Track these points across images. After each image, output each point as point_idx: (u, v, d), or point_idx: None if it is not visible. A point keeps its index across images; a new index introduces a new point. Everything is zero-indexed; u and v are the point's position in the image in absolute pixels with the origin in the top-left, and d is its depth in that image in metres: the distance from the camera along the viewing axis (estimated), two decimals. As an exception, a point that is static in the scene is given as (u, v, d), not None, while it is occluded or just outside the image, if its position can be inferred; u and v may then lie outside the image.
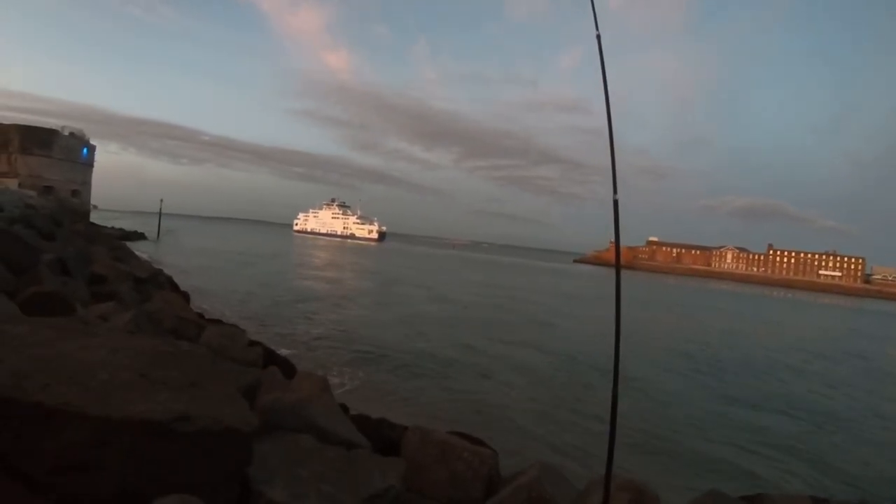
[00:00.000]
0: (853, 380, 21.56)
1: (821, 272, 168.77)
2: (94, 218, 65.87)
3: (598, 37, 3.30)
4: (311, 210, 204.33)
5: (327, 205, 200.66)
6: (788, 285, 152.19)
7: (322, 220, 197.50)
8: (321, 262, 66.55)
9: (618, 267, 2.87)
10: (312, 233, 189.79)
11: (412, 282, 46.91)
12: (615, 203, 2.95)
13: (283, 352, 12.65)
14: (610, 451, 2.75)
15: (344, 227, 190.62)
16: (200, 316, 14.62)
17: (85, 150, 65.99)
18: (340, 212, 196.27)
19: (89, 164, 67.61)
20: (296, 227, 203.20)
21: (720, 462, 10.72)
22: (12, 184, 49.53)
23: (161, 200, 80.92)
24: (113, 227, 61.90)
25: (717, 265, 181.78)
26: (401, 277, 50.57)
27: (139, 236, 64.25)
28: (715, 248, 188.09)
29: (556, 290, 56.05)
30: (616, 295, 2.89)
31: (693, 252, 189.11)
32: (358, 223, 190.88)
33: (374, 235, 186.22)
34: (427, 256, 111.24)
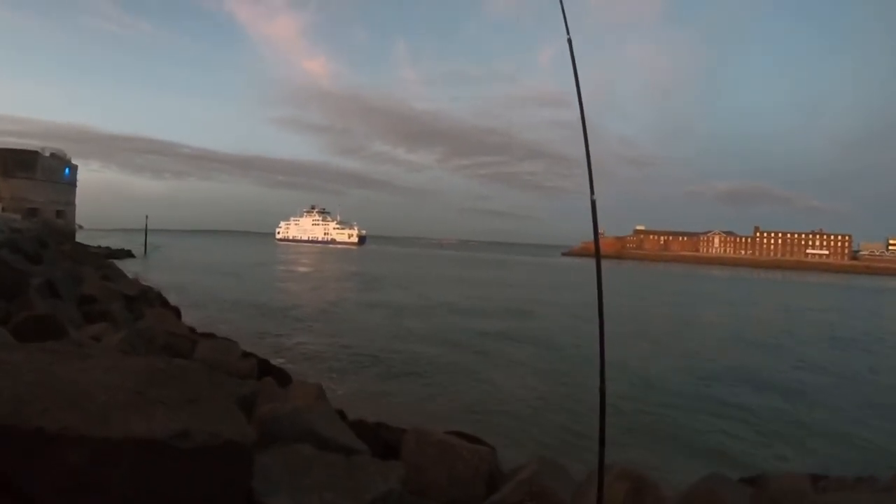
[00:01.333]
0: (844, 356, 21.77)
1: (808, 251, 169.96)
2: (80, 238, 65.60)
3: (570, 40, 3.33)
4: (292, 218, 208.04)
5: (307, 212, 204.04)
6: (777, 266, 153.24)
7: (303, 228, 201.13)
8: (304, 268, 68.15)
9: (598, 264, 2.93)
10: (295, 240, 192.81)
11: (393, 283, 47.77)
12: (593, 203, 3.01)
13: (277, 361, 12.66)
14: (601, 441, 2.81)
15: (325, 233, 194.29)
16: (192, 331, 14.62)
17: (67, 170, 65.74)
18: (321, 218, 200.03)
19: (72, 183, 67.34)
20: (278, 236, 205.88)
21: (717, 445, 10.84)
22: (-4, 208, 49.16)
23: (146, 216, 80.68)
24: (99, 246, 61.58)
25: (704, 250, 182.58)
26: (382, 279, 51.50)
27: (126, 254, 63.88)
28: (702, 233, 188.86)
29: (540, 283, 56.59)
30: (598, 297, 2.94)
31: (681, 239, 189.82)
32: (338, 228, 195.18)
33: (354, 239, 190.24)
34: (408, 257, 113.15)
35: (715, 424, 12.08)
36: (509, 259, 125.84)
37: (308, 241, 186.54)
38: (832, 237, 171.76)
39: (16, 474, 2.53)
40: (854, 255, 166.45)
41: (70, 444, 2.57)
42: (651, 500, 4.84)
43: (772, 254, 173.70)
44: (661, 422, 12.08)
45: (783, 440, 11.40)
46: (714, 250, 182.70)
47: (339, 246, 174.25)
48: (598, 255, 2.97)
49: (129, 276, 29.76)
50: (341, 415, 7.10)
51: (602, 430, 2.79)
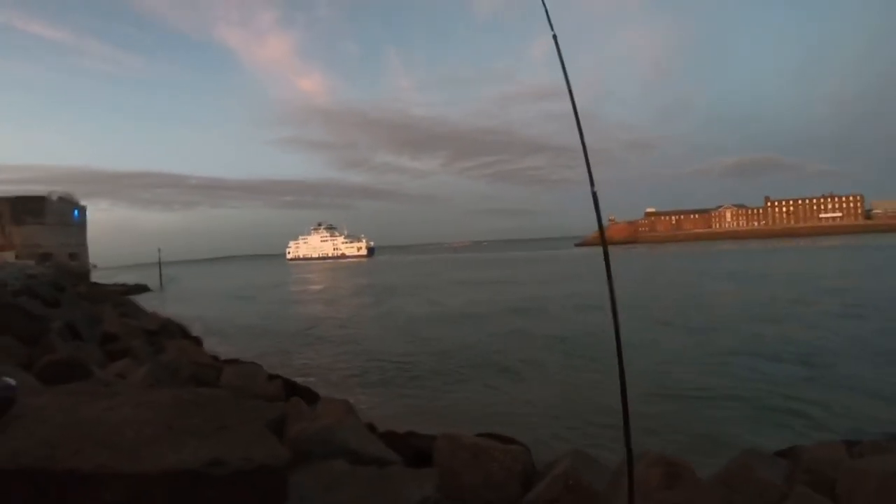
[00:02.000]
0: (861, 319, 21.51)
1: (821, 215, 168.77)
2: (95, 277, 66.20)
3: (555, 37, 3.32)
4: (300, 237, 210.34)
5: (315, 229, 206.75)
6: (791, 234, 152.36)
7: (312, 245, 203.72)
8: (317, 285, 68.45)
9: (606, 254, 2.93)
10: (305, 258, 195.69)
11: (405, 292, 47.87)
12: (594, 195, 3.01)
13: (301, 380, 12.68)
14: (626, 427, 2.80)
15: (334, 249, 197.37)
16: (216, 358, 14.68)
17: (76, 212, 66.36)
18: (328, 234, 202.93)
19: (82, 224, 67.96)
20: (289, 256, 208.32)
21: (745, 422, 10.73)
22: (9, 256, 49.68)
23: (159, 249, 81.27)
24: (115, 284, 62.05)
25: (717, 226, 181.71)
26: (394, 289, 51.75)
27: (142, 289, 64.32)
28: (713, 209, 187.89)
29: (551, 276, 56.47)
30: (608, 277, 2.94)
31: (692, 217, 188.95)
32: (346, 242, 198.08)
33: (364, 252, 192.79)
34: (418, 264, 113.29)
35: (740, 401, 11.94)
36: (522, 256, 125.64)
37: (318, 259, 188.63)
38: (844, 199, 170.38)
39: (53, 517, 2.55)
40: (867, 215, 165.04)
41: (104, 483, 2.59)
42: (687, 482, 4.81)
43: (784, 222, 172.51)
44: (687, 405, 11.98)
45: (813, 410, 11.26)
46: (727, 225, 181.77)
47: (349, 260, 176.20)
48: (605, 247, 2.97)
49: (148, 310, 29.97)
50: (371, 428, 7.11)
51: (625, 416, 2.77)
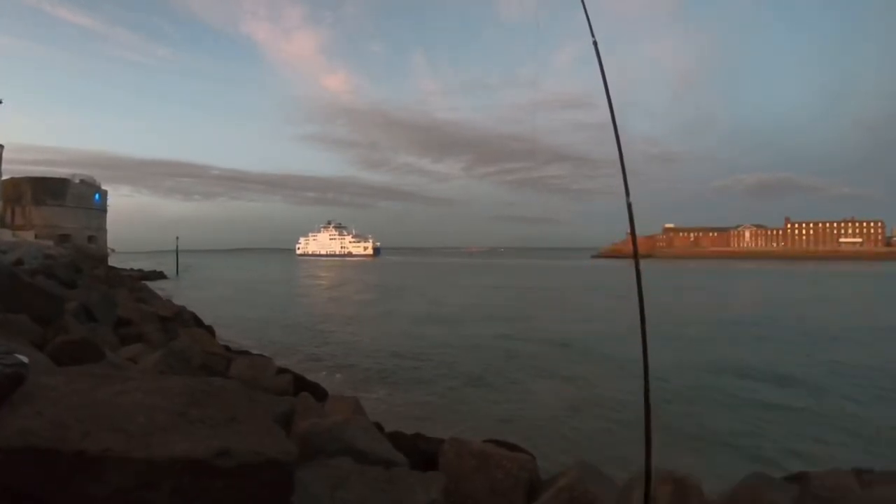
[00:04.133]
0: (880, 347, 21.26)
1: (841, 240, 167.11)
2: (113, 261, 66.69)
3: (595, 43, 3.29)
4: (310, 234, 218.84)
5: (324, 227, 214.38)
6: (810, 257, 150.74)
7: (321, 242, 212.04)
8: (326, 281, 70.48)
9: (637, 268, 2.89)
10: (314, 255, 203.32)
11: (415, 292, 49.24)
12: (629, 206, 2.96)
13: (310, 376, 12.70)
14: (647, 444, 2.76)
15: (341, 247, 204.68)
16: (227, 349, 14.75)
17: (97, 196, 66.88)
18: (337, 233, 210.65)
19: (102, 209, 68.46)
20: (298, 251, 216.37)
21: (757, 444, 10.64)
22: (29, 236, 50.13)
23: (177, 238, 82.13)
24: (132, 269, 62.64)
25: (736, 245, 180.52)
26: (402, 289, 53.44)
27: (159, 275, 64.95)
28: (732, 228, 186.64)
29: (568, 286, 56.38)
30: (638, 292, 2.90)
31: (711, 234, 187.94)
32: (354, 241, 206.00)
33: (370, 251, 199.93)
34: (425, 266, 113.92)
35: (753, 423, 11.85)
36: (537, 264, 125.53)
37: (326, 256, 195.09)
38: (865, 224, 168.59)
39: (59, 498, 2.55)
40: (888, 241, 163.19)
41: (112, 467, 2.58)
42: (695, 502, 4.75)
43: (804, 245, 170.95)
44: (699, 423, 11.88)
45: (825, 435, 11.16)
46: (745, 244, 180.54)
47: (356, 258, 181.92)
48: (636, 259, 2.93)
49: (163, 297, 30.21)
50: (378, 427, 7.09)
51: (647, 432, 2.74)
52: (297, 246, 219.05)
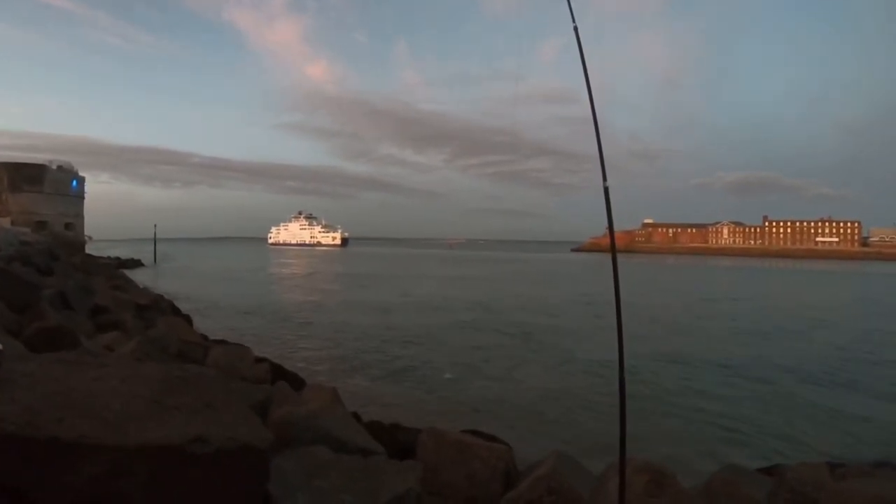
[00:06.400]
0: (855, 342, 21.58)
1: (818, 239, 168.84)
2: (90, 249, 65.92)
3: (576, 28, 3.31)
4: (281, 224, 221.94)
5: (295, 217, 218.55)
6: (787, 255, 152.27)
7: (291, 232, 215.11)
8: (298, 270, 71.33)
9: (613, 253, 2.90)
10: (284, 244, 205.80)
11: (382, 282, 50.03)
12: (605, 190, 2.97)
13: (288, 365, 12.65)
14: (622, 435, 2.78)
15: (311, 237, 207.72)
16: (204, 337, 14.66)
17: (75, 183, 66.04)
18: (307, 223, 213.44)
19: (80, 196, 67.64)
20: (270, 240, 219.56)
21: (733, 436, 10.77)
22: (5, 222, 49.43)
23: (155, 226, 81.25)
24: (109, 257, 61.86)
25: (714, 242, 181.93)
26: (371, 278, 54.70)
27: (136, 263, 64.24)
28: (711, 224, 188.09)
29: (545, 279, 56.67)
30: (615, 280, 2.92)
31: (689, 231, 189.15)
32: (323, 232, 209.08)
33: (338, 242, 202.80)
34: (393, 257, 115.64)
35: (728, 416, 11.98)
36: (516, 256, 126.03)
37: (297, 245, 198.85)
38: (842, 224, 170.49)
39: (32, 485, 2.52)
40: (864, 242, 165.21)
41: (87, 454, 2.56)
42: (670, 492, 4.80)
43: (781, 243, 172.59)
44: (675, 415, 12.01)
45: (799, 429, 11.31)
46: (723, 241, 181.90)
47: (324, 248, 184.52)
48: (612, 243, 2.94)
49: (140, 285, 29.96)
50: (356, 417, 7.09)
51: (623, 422, 2.76)
52: (269, 235, 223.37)
